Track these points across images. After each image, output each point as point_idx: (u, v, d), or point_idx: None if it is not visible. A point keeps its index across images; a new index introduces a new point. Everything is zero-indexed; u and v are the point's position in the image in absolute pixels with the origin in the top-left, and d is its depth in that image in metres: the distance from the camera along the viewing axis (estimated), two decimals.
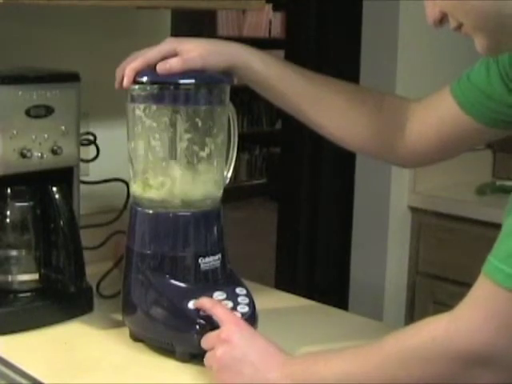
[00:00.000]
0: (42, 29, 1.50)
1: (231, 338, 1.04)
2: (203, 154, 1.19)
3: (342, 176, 2.75)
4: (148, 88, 1.16)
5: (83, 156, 1.38)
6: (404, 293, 2.45)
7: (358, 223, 2.50)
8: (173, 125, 1.17)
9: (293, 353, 1.16)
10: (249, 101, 5.99)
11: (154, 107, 1.17)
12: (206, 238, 1.19)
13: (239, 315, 1.14)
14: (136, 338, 1.21)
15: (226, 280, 1.20)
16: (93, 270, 1.33)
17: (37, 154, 1.25)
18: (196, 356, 1.14)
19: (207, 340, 1.08)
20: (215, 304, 1.12)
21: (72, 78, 1.29)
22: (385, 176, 2.38)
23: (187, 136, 1.18)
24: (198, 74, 1.16)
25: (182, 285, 1.16)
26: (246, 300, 1.17)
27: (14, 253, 1.27)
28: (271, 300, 1.39)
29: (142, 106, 1.17)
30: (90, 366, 1.15)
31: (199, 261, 1.17)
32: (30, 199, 1.28)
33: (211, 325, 1.11)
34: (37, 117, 1.25)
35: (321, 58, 2.83)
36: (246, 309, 1.16)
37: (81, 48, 1.56)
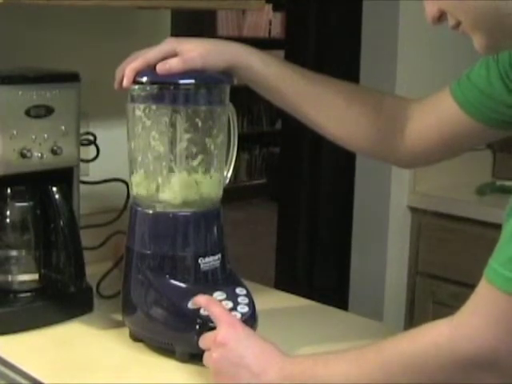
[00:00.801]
0: (42, 29, 1.50)
1: (227, 340, 1.03)
2: (203, 154, 1.19)
3: (341, 176, 2.75)
4: (148, 88, 1.16)
5: (83, 156, 1.38)
6: (404, 293, 2.45)
7: (357, 223, 2.50)
8: (173, 125, 1.17)
9: (293, 353, 1.16)
10: (249, 101, 5.99)
11: (153, 107, 1.17)
12: (205, 238, 1.19)
13: (239, 315, 1.14)
14: (136, 338, 1.21)
15: (225, 280, 1.20)
16: (93, 270, 1.34)
17: (37, 154, 1.25)
18: (196, 356, 1.14)
19: (204, 340, 1.08)
20: (211, 302, 1.12)
21: (72, 77, 1.29)
22: (385, 176, 2.38)
23: (187, 136, 1.18)
24: (198, 74, 1.16)
25: (181, 285, 1.16)
26: (246, 300, 1.17)
27: (13, 253, 1.27)
28: (271, 300, 1.39)
29: (141, 106, 1.17)
30: (90, 366, 1.15)
31: (199, 261, 1.17)
32: (29, 199, 1.28)
33: (211, 325, 1.11)
34: (37, 117, 1.25)
35: (321, 58, 2.83)
36: (246, 309, 1.16)
37: (81, 48, 1.56)
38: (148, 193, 1.19)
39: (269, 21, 6.20)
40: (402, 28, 2.32)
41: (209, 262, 1.18)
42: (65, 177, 1.30)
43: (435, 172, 2.45)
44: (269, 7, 5.84)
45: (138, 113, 1.18)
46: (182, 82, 1.15)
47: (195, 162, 1.19)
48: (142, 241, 1.18)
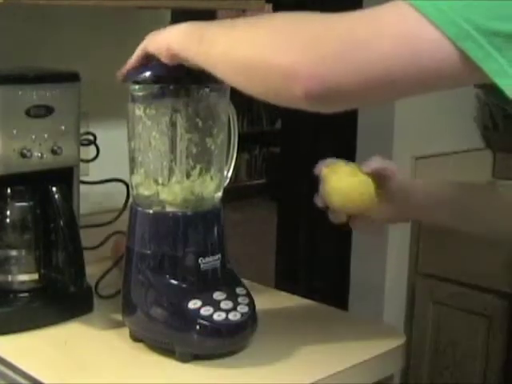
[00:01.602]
0: (42, 29, 1.50)
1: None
2: (203, 153, 1.19)
3: None
4: (148, 88, 1.16)
5: (83, 156, 1.38)
6: (404, 293, 2.45)
7: None
8: (173, 125, 1.17)
9: (293, 353, 1.17)
10: (249, 101, 5.97)
11: (154, 107, 1.17)
12: (205, 238, 1.19)
13: (239, 315, 1.14)
14: (136, 338, 1.21)
15: (226, 280, 1.20)
16: (92, 270, 1.33)
17: (37, 154, 1.25)
18: (196, 356, 1.14)
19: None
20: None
21: (72, 77, 1.29)
22: None
23: (187, 136, 1.18)
24: (198, 74, 1.16)
25: (182, 285, 1.16)
26: (246, 300, 1.17)
27: (13, 253, 1.27)
28: (271, 300, 1.39)
29: (142, 106, 1.17)
30: (90, 366, 1.15)
31: (199, 261, 1.17)
32: (29, 199, 1.28)
33: (211, 324, 1.11)
34: (37, 117, 1.25)
35: None
36: (246, 309, 1.16)
37: (81, 48, 1.56)
38: (148, 193, 1.19)
39: None
40: None
41: (209, 261, 1.18)
42: (65, 177, 1.30)
43: (435, 172, 2.45)
44: (269, 7, 5.83)
45: (139, 113, 1.18)
46: (182, 82, 1.15)
47: (195, 162, 1.19)
48: (142, 241, 1.18)
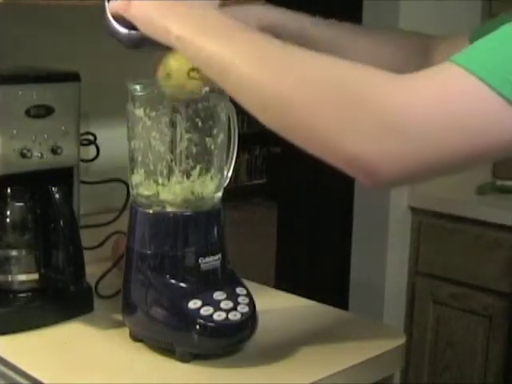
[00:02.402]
0: (42, 29, 1.50)
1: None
2: (203, 153, 1.19)
3: (341, 176, 2.75)
4: (149, 88, 1.16)
5: (83, 156, 1.38)
6: (404, 293, 2.45)
7: (357, 223, 2.50)
8: (173, 125, 1.17)
9: (293, 353, 1.17)
10: None
11: (154, 107, 1.17)
12: (206, 238, 1.19)
13: (239, 315, 1.14)
14: (136, 338, 1.21)
15: (226, 280, 1.20)
16: (92, 270, 1.33)
17: (37, 154, 1.25)
18: (196, 356, 1.14)
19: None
20: None
21: (72, 77, 1.29)
22: None
23: (187, 136, 1.18)
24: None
25: (182, 285, 1.16)
26: (246, 300, 1.17)
27: (14, 253, 1.27)
28: (271, 300, 1.39)
29: (142, 106, 1.17)
30: (90, 366, 1.15)
31: (199, 261, 1.17)
32: (29, 199, 1.28)
33: (211, 324, 1.11)
34: (37, 117, 1.25)
35: None
36: (246, 309, 1.16)
37: (81, 48, 1.56)
38: (148, 193, 1.19)
39: None
40: (402, 27, 2.32)
41: (209, 261, 1.18)
42: (65, 177, 1.30)
43: None
44: None
45: (139, 113, 1.18)
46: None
47: (195, 162, 1.19)
48: (142, 241, 1.18)
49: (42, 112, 1.25)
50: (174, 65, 1.10)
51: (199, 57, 0.89)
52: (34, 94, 1.24)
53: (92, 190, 1.46)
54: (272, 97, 0.83)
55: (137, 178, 1.20)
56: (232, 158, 1.25)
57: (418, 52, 1.21)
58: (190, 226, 1.18)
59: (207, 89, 1.13)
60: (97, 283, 1.37)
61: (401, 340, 1.24)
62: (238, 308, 1.15)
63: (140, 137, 1.19)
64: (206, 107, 1.19)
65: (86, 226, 1.36)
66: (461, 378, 2.31)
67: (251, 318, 1.16)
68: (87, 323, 1.28)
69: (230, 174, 1.25)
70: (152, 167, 1.19)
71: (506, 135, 0.76)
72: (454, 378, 2.33)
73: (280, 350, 1.18)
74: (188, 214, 1.18)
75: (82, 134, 1.38)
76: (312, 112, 0.80)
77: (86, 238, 1.31)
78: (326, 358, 1.18)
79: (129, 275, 1.20)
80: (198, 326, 1.12)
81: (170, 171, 1.19)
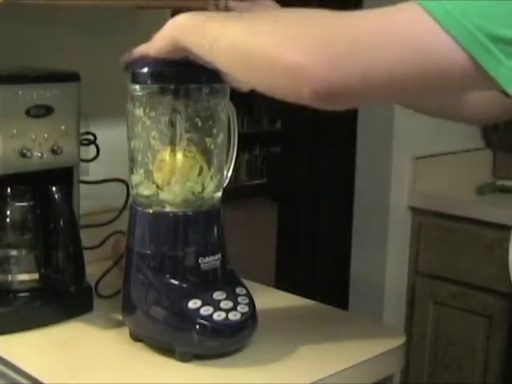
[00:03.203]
0: (42, 29, 1.50)
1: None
2: (203, 153, 1.19)
3: (341, 176, 2.75)
4: (148, 88, 1.16)
5: (83, 156, 1.38)
6: (404, 293, 2.45)
7: (358, 223, 2.50)
8: (172, 125, 1.17)
9: (293, 353, 1.17)
10: (249, 101, 5.99)
11: (153, 107, 1.17)
12: (205, 238, 1.19)
13: (239, 315, 1.14)
14: (136, 337, 1.21)
15: (225, 280, 1.20)
16: (92, 270, 1.34)
17: (37, 153, 1.25)
18: (196, 356, 1.14)
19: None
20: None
21: (72, 77, 1.29)
22: (385, 176, 2.38)
23: (187, 136, 1.18)
24: (198, 74, 1.17)
25: (182, 284, 1.16)
26: (246, 300, 1.18)
27: (13, 253, 1.27)
28: (271, 300, 1.39)
29: (141, 106, 1.17)
30: (90, 366, 1.15)
31: (199, 261, 1.17)
32: (30, 199, 1.28)
33: (211, 324, 1.11)
34: (37, 117, 1.25)
35: None
36: (246, 309, 1.16)
37: (81, 48, 1.56)
38: (148, 193, 1.19)
39: None
40: None
41: (209, 261, 1.18)
42: (65, 177, 1.30)
43: (435, 172, 2.45)
44: None
45: (138, 113, 1.18)
46: (182, 82, 1.14)
47: (195, 162, 1.19)
48: (142, 240, 1.18)
49: (42, 112, 1.25)
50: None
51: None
52: (34, 94, 1.24)
53: (92, 189, 1.46)
54: (247, 51, 0.92)
55: (136, 177, 1.20)
56: (232, 158, 1.25)
57: None
58: (190, 226, 1.18)
59: None
60: (97, 283, 1.37)
61: (401, 340, 1.24)
62: (238, 308, 1.15)
63: (140, 137, 1.19)
64: (206, 107, 1.19)
65: (86, 226, 1.36)
66: (461, 378, 2.31)
67: (251, 317, 1.16)
68: (87, 323, 1.28)
69: (229, 174, 1.25)
70: (152, 167, 1.19)
71: (445, 63, 0.80)
72: (454, 378, 2.33)
73: (280, 350, 1.18)
74: (188, 213, 1.18)
75: (82, 134, 1.38)
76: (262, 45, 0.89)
77: (86, 238, 1.31)
78: (326, 357, 1.18)
79: (129, 275, 1.20)
80: (198, 326, 1.12)
81: (170, 171, 1.18)
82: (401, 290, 2.45)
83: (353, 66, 0.82)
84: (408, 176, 2.38)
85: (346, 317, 1.40)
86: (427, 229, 2.39)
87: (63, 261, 1.26)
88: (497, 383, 2.22)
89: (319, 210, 2.99)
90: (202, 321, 1.12)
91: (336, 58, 0.82)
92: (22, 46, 1.47)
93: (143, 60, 1.13)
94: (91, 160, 1.45)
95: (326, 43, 0.83)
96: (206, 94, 1.18)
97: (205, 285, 1.17)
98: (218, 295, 1.15)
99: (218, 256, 1.19)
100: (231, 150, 1.25)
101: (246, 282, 1.22)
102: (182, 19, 1.05)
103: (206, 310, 1.13)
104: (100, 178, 1.49)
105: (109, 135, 1.52)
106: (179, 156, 1.17)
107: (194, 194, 1.19)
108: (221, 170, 1.22)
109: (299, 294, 1.45)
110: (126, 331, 1.22)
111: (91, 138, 1.44)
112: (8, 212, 1.27)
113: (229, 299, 1.16)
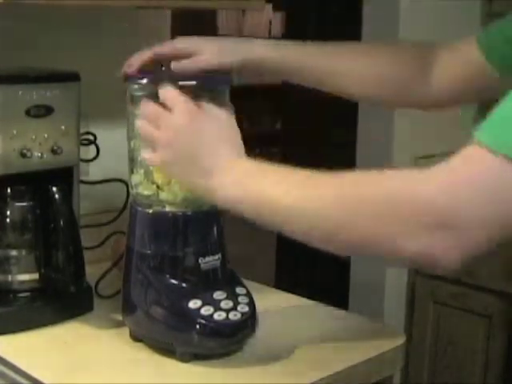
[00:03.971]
0: (42, 29, 1.50)
1: (176, 132, 1.04)
2: None
3: None
4: (148, 88, 1.16)
5: (83, 156, 1.38)
6: (404, 293, 2.45)
7: None
8: None
9: (293, 352, 1.17)
10: (249, 101, 5.99)
11: None
12: (206, 238, 1.19)
13: (239, 315, 1.14)
14: (136, 337, 1.21)
15: (225, 280, 1.20)
16: (92, 270, 1.33)
17: (37, 153, 1.25)
18: (196, 356, 1.14)
19: (148, 108, 1.08)
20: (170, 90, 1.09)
21: (72, 77, 1.29)
22: None
23: None
24: (198, 74, 1.17)
25: (182, 285, 1.16)
26: (246, 300, 1.17)
27: (13, 253, 1.27)
28: (271, 300, 1.39)
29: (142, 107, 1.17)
30: (90, 366, 1.15)
31: (199, 260, 1.17)
32: (30, 199, 1.28)
33: (211, 324, 1.11)
34: (37, 117, 1.25)
35: None
36: (246, 309, 1.16)
37: (81, 48, 1.56)
38: (148, 192, 1.19)
39: (269, 21, 6.20)
40: (402, 28, 2.32)
41: (209, 261, 1.18)
42: (65, 177, 1.30)
43: None
44: (269, 7, 5.84)
45: (138, 113, 1.17)
46: (181, 83, 1.15)
47: None
48: (141, 240, 1.18)
49: (42, 112, 1.25)
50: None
51: (246, 199, 0.98)
52: (34, 94, 1.24)
53: (92, 190, 1.46)
54: (321, 220, 0.90)
55: (136, 177, 1.20)
56: None
57: (419, 66, 1.22)
58: (190, 226, 1.18)
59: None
60: (97, 283, 1.37)
61: (401, 340, 1.24)
62: (238, 308, 1.15)
63: (139, 137, 1.19)
64: None
65: (86, 226, 1.36)
66: (461, 378, 2.31)
67: (251, 317, 1.16)
68: (87, 323, 1.28)
69: None
70: (152, 167, 1.19)
71: None
72: (454, 378, 2.33)
73: (280, 350, 1.18)
74: (188, 213, 1.18)
75: (82, 134, 1.38)
76: (359, 229, 0.87)
77: (86, 238, 1.31)
78: (326, 357, 1.18)
79: (129, 275, 1.20)
80: (198, 326, 1.12)
81: None
82: (401, 290, 2.44)
83: (479, 236, 0.81)
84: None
85: (345, 317, 1.40)
86: None
87: (63, 261, 1.26)
88: (497, 383, 2.22)
89: None
90: (202, 321, 1.12)
91: (459, 238, 0.81)
92: (22, 46, 1.47)
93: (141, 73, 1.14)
94: (91, 160, 1.45)
95: (443, 225, 0.81)
96: (205, 94, 1.18)
97: (205, 285, 1.17)
98: (218, 295, 1.15)
99: (218, 256, 1.19)
100: None
101: (246, 282, 1.22)
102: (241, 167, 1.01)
103: (206, 310, 1.13)
104: (100, 178, 1.49)
105: (109, 135, 1.52)
106: None
107: (193, 193, 1.19)
108: None
109: (299, 294, 1.45)
110: (126, 331, 1.22)
111: (91, 138, 1.44)
112: (8, 212, 1.27)
113: (229, 299, 1.16)
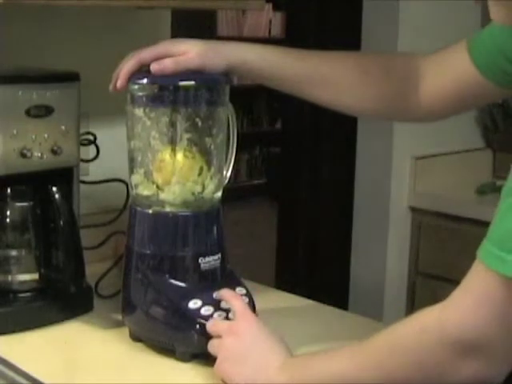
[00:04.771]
0: (42, 29, 1.50)
1: (241, 331, 1.07)
2: (203, 153, 1.19)
3: (341, 176, 2.75)
4: (148, 88, 1.16)
5: (83, 156, 1.38)
6: (404, 293, 2.45)
7: (358, 223, 2.50)
8: (173, 124, 1.17)
9: (293, 352, 1.16)
10: (249, 101, 5.99)
11: (153, 107, 1.17)
12: (205, 238, 1.19)
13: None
14: (136, 337, 1.21)
15: (225, 280, 1.20)
16: (92, 270, 1.34)
17: (37, 154, 1.25)
18: (196, 356, 1.14)
19: (215, 327, 1.10)
20: (235, 296, 1.14)
21: (72, 77, 1.29)
22: (385, 176, 2.38)
23: (187, 136, 1.18)
24: (198, 74, 1.17)
25: (181, 285, 1.16)
26: (246, 300, 1.18)
27: (13, 253, 1.27)
28: (271, 300, 1.39)
29: (141, 106, 1.17)
30: (90, 366, 1.15)
31: (199, 261, 1.17)
32: (30, 199, 1.28)
33: (210, 325, 1.11)
34: (37, 117, 1.25)
35: None
36: None
37: (81, 48, 1.56)
38: (148, 193, 1.19)
39: (269, 21, 6.20)
40: (401, 28, 2.32)
41: (209, 261, 1.18)
42: (65, 177, 1.30)
43: (435, 172, 2.45)
44: (269, 7, 5.84)
45: (138, 113, 1.18)
46: (181, 83, 1.15)
47: (195, 162, 1.19)
48: (141, 241, 1.18)
49: (42, 112, 1.25)
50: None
51: None
52: (34, 94, 1.24)
53: (92, 189, 1.46)
54: None
55: (136, 177, 1.20)
56: (231, 158, 1.25)
57: (405, 77, 1.20)
58: (190, 226, 1.18)
59: None
60: (97, 283, 1.37)
61: None
62: None
63: (140, 137, 1.19)
64: (206, 107, 1.19)
65: (86, 226, 1.36)
66: None
67: None
68: (87, 323, 1.28)
69: (228, 174, 1.25)
70: (152, 167, 1.19)
71: None
72: None
73: None
74: (187, 214, 1.18)
75: (82, 134, 1.38)
76: None
77: (86, 238, 1.31)
78: None
79: (128, 275, 1.20)
80: (198, 326, 1.12)
81: (170, 171, 1.18)
82: (401, 290, 2.45)
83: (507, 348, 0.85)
84: (408, 176, 2.38)
85: (345, 317, 1.40)
86: (427, 229, 2.39)
87: (63, 261, 1.26)
88: (496, 383, 2.22)
89: (319, 209, 2.99)
90: (202, 321, 1.12)
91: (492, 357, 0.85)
92: (22, 46, 1.47)
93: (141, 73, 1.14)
94: (91, 160, 1.45)
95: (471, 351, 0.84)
96: (205, 95, 1.18)
97: (205, 285, 1.17)
98: (217, 295, 1.15)
99: (218, 256, 1.19)
100: (230, 149, 1.25)
101: (246, 282, 1.22)
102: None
103: (206, 310, 1.13)
104: (100, 178, 1.49)
105: (109, 135, 1.52)
106: (179, 156, 1.17)
107: (193, 194, 1.19)
108: (221, 170, 1.22)
109: (299, 294, 1.45)
110: (126, 331, 1.22)
111: (91, 138, 1.44)
112: (8, 212, 1.27)
113: None
